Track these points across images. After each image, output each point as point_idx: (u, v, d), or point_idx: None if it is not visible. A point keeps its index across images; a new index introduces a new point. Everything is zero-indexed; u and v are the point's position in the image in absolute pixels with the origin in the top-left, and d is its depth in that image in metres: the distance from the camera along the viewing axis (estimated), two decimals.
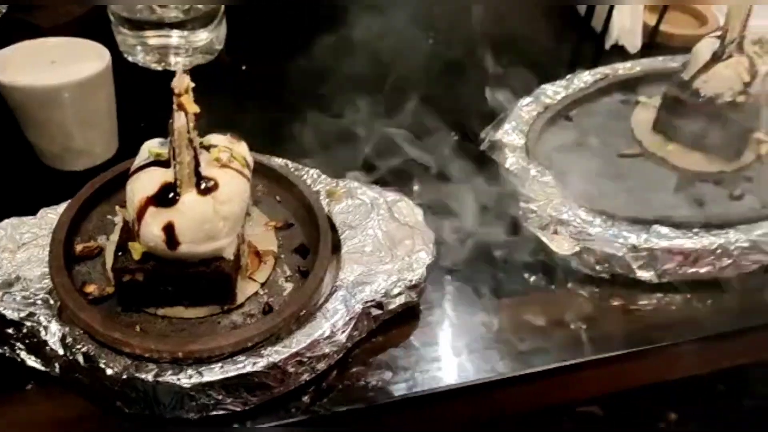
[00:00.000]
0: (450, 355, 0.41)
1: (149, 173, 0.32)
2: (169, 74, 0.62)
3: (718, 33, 0.50)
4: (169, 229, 0.32)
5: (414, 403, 0.39)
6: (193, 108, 0.30)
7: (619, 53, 0.69)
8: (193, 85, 0.31)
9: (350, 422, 0.38)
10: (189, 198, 0.32)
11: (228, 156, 0.34)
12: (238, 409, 0.36)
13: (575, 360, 0.42)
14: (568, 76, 0.59)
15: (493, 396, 0.42)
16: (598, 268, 0.45)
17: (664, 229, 0.45)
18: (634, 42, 0.68)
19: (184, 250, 0.33)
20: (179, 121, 0.30)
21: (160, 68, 0.62)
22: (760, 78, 0.49)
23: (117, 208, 0.40)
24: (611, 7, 0.66)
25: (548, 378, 0.42)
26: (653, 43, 0.69)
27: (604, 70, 0.60)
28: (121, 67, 0.61)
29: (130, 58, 0.62)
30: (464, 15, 0.67)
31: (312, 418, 0.37)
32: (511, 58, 0.61)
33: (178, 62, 0.62)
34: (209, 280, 0.35)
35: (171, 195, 0.32)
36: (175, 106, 0.30)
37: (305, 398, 0.38)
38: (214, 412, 0.36)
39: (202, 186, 0.32)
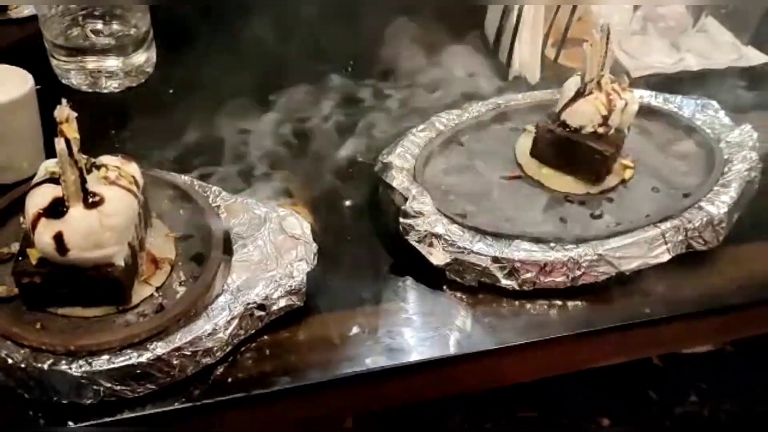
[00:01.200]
0: (330, 352, 0.47)
1: (42, 189, 0.38)
2: (101, 96, 0.68)
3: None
4: (58, 238, 0.37)
5: (291, 394, 0.45)
6: (73, 134, 0.36)
7: (522, 84, 0.75)
8: (75, 114, 0.37)
9: (231, 410, 0.44)
10: (75, 211, 0.37)
11: (116, 174, 0.39)
12: (129, 396, 0.41)
13: (442, 355, 0.47)
14: (464, 105, 0.65)
15: (366, 388, 0.47)
16: (467, 277, 0.51)
17: (525, 244, 0.51)
18: (533, 74, 0.75)
19: (74, 256, 0.38)
20: (59, 145, 0.35)
21: (91, 90, 0.67)
22: (617, 112, 0.56)
23: (21, 219, 0.45)
24: (512, 41, 0.73)
25: (417, 372, 0.47)
26: (552, 75, 0.76)
27: (497, 101, 0.66)
28: (55, 89, 0.67)
29: (64, 81, 0.67)
30: (375, 44, 0.73)
31: (195, 406, 0.42)
32: (415, 87, 0.68)
33: (109, 85, 0.67)
34: (100, 283, 0.41)
35: (60, 208, 0.37)
36: (58, 132, 0.36)
37: (191, 388, 0.43)
38: (108, 399, 0.41)
39: (89, 201, 0.37)
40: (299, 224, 0.50)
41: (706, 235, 0.53)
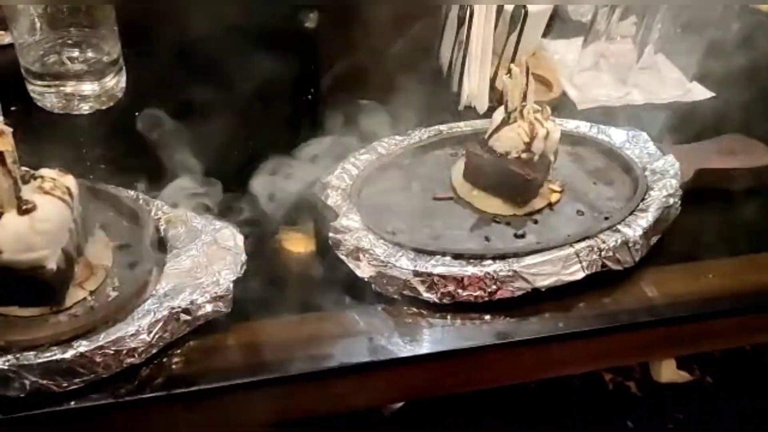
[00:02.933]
0: (255, 355, 0.50)
1: None
2: (73, 117, 0.73)
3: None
4: None
5: (213, 394, 0.48)
6: (7, 146, 0.40)
7: (472, 113, 0.79)
8: (11, 129, 0.41)
9: (154, 407, 0.47)
10: (8, 216, 0.41)
11: (51, 185, 0.43)
12: (55, 391, 0.45)
13: (360, 361, 0.50)
14: (408, 131, 0.69)
15: (287, 392, 0.50)
16: (390, 289, 0.54)
17: (446, 259, 0.54)
18: (482, 104, 0.79)
19: (5, 257, 0.42)
20: None
21: (63, 112, 0.72)
22: (539, 139, 0.59)
23: None
24: (461, 72, 0.78)
25: (337, 378, 0.50)
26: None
27: (441, 128, 0.70)
28: (30, 110, 0.72)
29: (39, 103, 0.72)
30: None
31: (118, 402, 0.46)
32: (368, 113, 0.72)
33: (81, 107, 0.72)
34: (33, 284, 0.44)
35: None
36: None
37: (116, 386, 0.46)
38: (34, 393, 0.44)
39: (22, 208, 0.42)
40: (233, 236, 0.54)
41: (620, 256, 0.56)
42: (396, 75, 0.81)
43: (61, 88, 0.72)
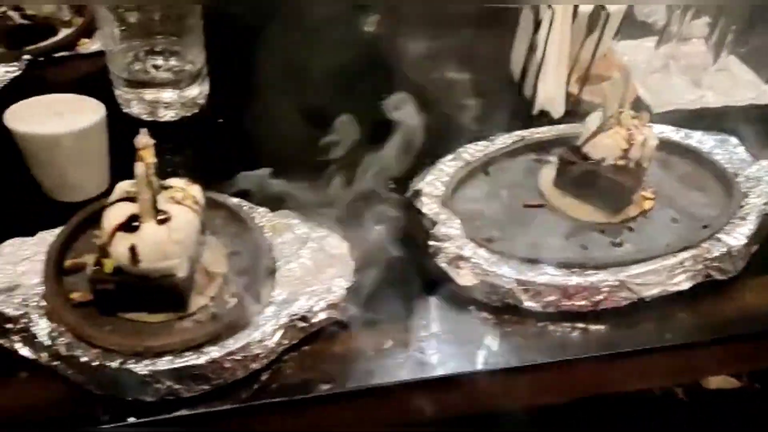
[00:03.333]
0: (366, 362, 0.50)
1: (119, 206, 0.43)
2: (158, 124, 0.74)
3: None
4: (132, 250, 0.42)
5: (329, 400, 0.49)
6: (151, 159, 0.41)
7: (546, 118, 0.79)
8: (153, 141, 0.42)
9: (278, 412, 0.48)
10: (148, 226, 0.43)
11: (182, 195, 0.44)
12: (186, 395, 0.46)
13: (471, 370, 0.51)
14: (491, 137, 0.69)
15: (398, 398, 0.51)
16: (493, 297, 0.55)
17: (549, 268, 0.55)
18: (557, 109, 0.79)
19: (144, 266, 0.43)
20: (139, 169, 0.41)
21: (150, 119, 0.73)
22: (637, 146, 0.59)
23: (95, 232, 0.51)
24: (537, 78, 0.78)
25: (447, 383, 0.51)
26: (576, 110, 0.80)
27: (522, 133, 0.70)
28: (118, 117, 0.74)
29: (125, 110, 0.74)
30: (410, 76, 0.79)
31: (241, 407, 0.47)
32: (446, 119, 0.72)
33: (165, 114, 0.74)
34: (165, 291, 0.45)
35: (135, 223, 0.42)
36: (137, 158, 0.41)
37: (240, 390, 0.48)
38: (167, 396, 0.45)
39: (160, 218, 0.43)
40: (339, 243, 0.54)
41: (724, 266, 0.56)
42: (469, 81, 0.82)
43: (146, 96, 0.73)
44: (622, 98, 0.59)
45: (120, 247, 0.42)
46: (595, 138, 0.60)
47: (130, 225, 0.42)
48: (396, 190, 0.64)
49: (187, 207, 0.44)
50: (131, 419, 0.45)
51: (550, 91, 0.78)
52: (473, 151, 0.67)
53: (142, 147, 0.41)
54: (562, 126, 0.72)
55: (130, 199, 0.43)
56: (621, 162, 0.60)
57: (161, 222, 0.43)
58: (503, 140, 0.69)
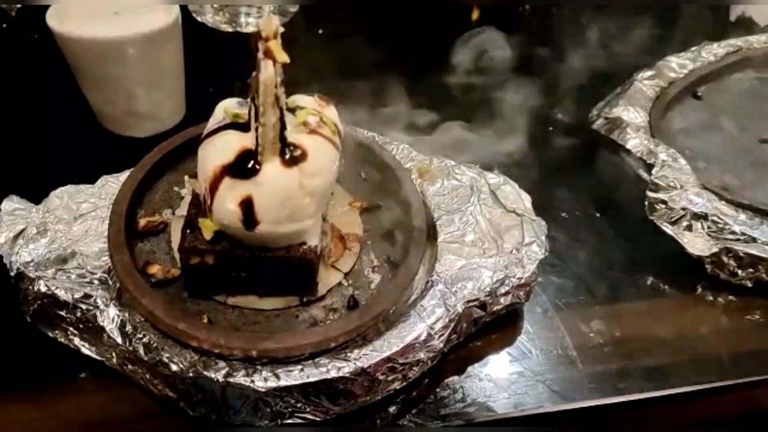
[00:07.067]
0: (560, 367, 0.35)
1: (225, 138, 0.27)
2: (240, 36, 0.58)
3: None
4: (246, 205, 0.26)
5: (518, 423, 0.33)
6: (283, 57, 0.24)
7: (747, 25, 0.59)
8: (282, 29, 0.25)
9: None
10: (271, 168, 0.26)
11: (317, 120, 0.28)
12: (318, 419, 0.31)
13: (714, 383, 0.35)
14: (693, 48, 0.51)
15: (614, 421, 0.35)
16: (740, 273, 0.38)
17: None
18: (765, 12, 0.58)
19: (263, 230, 0.27)
20: (266, 71, 0.24)
21: (230, 29, 0.57)
22: None
23: (186, 178, 0.36)
24: None
25: (681, 402, 0.35)
26: None
27: (737, 43, 0.51)
28: (188, 26, 0.57)
29: (198, 18, 0.58)
30: None
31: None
32: (624, 22, 0.53)
33: (248, 23, 0.57)
34: (289, 266, 0.30)
35: (250, 164, 0.26)
36: (260, 54, 0.24)
37: (392, 409, 0.33)
38: (290, 420, 0.31)
39: (287, 155, 0.27)
40: (518, 195, 0.38)
41: None
42: None
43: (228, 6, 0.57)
44: None
45: (227, 201, 0.26)
46: None
47: (243, 166, 0.26)
48: (576, 117, 0.47)
49: (326, 139, 0.28)
50: None
51: None
52: (676, 66, 0.49)
53: (271, 36, 0.24)
54: None
55: (240, 126, 0.27)
56: None
57: (290, 162, 0.27)
58: (713, 52, 0.50)
